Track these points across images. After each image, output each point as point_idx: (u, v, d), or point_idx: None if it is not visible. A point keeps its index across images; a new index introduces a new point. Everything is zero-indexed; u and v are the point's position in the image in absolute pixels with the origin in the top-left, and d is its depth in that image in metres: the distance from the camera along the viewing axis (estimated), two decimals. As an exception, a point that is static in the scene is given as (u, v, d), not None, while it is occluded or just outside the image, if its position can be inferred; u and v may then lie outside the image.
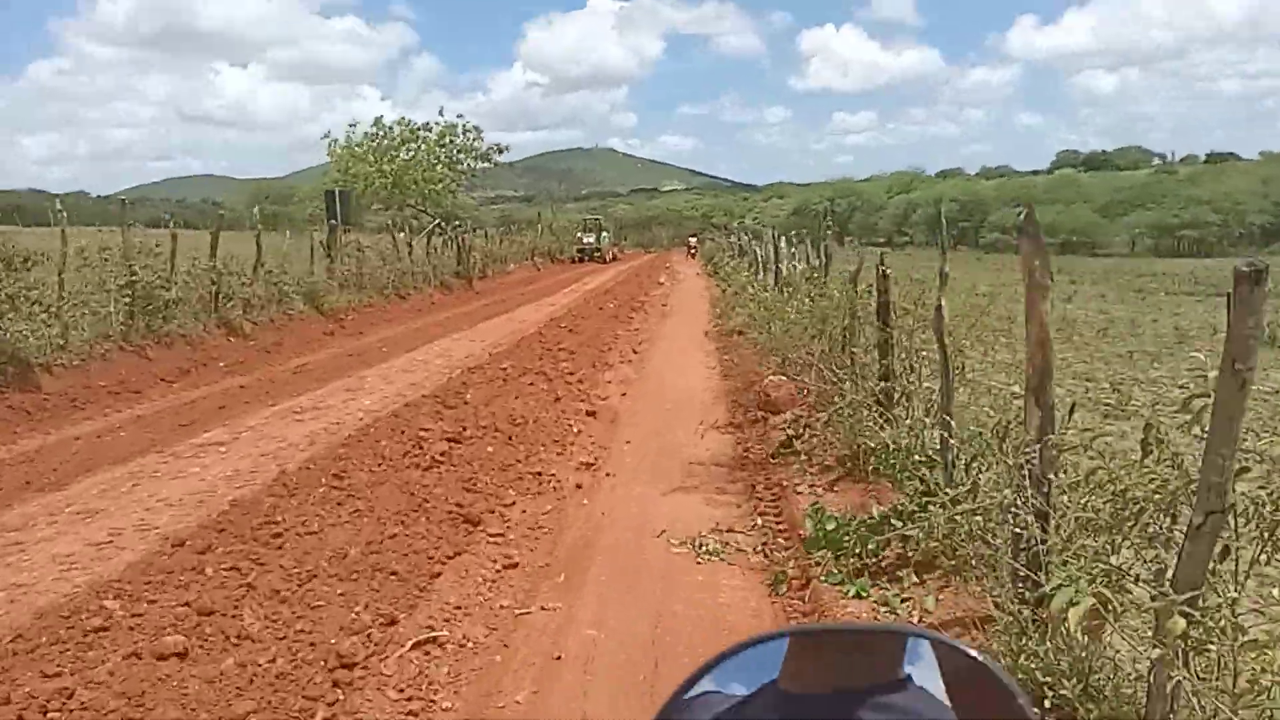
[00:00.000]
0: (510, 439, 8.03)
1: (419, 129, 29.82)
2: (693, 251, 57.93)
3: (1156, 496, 2.75)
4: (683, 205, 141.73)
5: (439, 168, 29.60)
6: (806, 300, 9.75)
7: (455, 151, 30.38)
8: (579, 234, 47.65)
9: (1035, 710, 0.76)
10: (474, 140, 30.70)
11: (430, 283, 26.75)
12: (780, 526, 5.96)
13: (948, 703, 0.77)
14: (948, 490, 4.48)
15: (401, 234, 28.95)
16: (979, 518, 4.08)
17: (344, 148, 28.64)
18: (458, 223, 31.79)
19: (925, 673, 0.79)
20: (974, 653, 0.80)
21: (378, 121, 29.79)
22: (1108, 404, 11.86)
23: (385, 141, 28.87)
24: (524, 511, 6.23)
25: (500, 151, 31.20)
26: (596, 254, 45.90)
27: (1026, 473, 3.41)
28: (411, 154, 28.88)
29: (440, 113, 30.80)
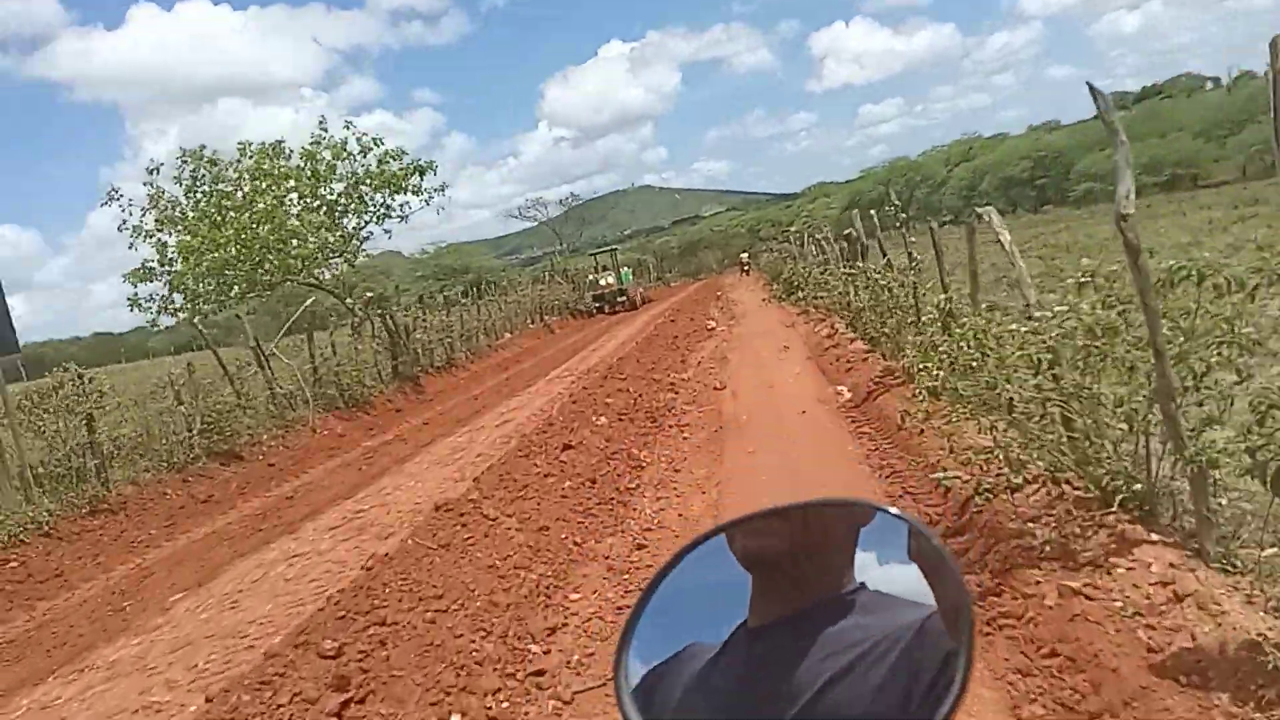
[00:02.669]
0: None
1: (273, 149, 17.65)
2: (746, 268, 49.32)
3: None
4: (727, 224, 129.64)
5: (303, 215, 17.24)
6: None
7: (355, 184, 18.38)
8: (592, 277, 35.36)
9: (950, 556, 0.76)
10: (382, 162, 18.54)
11: (311, 408, 14.74)
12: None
13: (897, 587, 0.77)
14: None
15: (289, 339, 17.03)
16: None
17: (158, 213, 16.67)
18: (370, 294, 19.79)
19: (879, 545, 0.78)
20: (894, 511, 0.80)
21: (193, 156, 16.51)
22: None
23: (216, 190, 16.84)
24: None
25: (421, 174, 18.84)
26: (621, 299, 33.14)
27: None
28: (269, 199, 16.75)
29: (321, 124, 18.20)
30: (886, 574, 0.79)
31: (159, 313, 16.95)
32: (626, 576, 5.00)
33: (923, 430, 6.32)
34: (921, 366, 4.63)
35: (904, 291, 8.57)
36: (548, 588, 4.88)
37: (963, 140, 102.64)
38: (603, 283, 33.28)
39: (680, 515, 6.10)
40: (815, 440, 7.68)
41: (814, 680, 0.74)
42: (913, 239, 8.87)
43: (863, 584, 0.79)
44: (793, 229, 51.19)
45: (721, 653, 0.81)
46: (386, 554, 5.62)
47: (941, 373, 4.29)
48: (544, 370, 18.33)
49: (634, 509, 6.39)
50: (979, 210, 5.49)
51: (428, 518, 6.68)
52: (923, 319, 6.94)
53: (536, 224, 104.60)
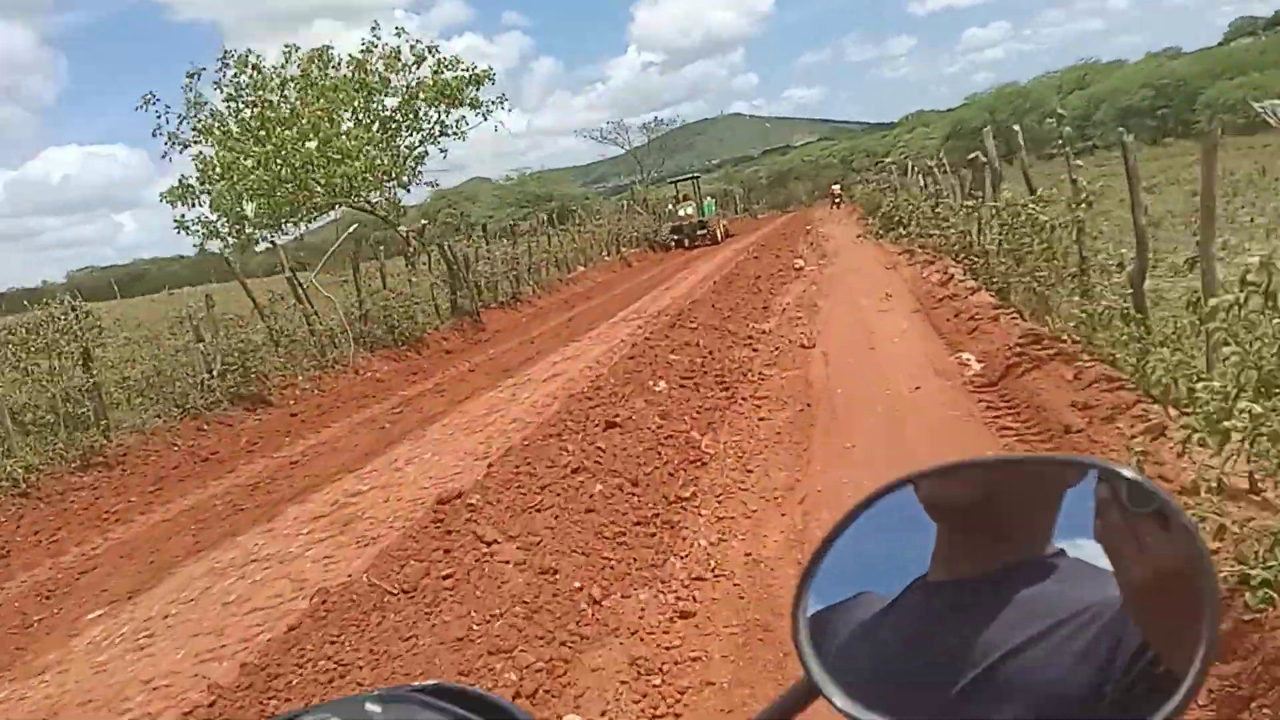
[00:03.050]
0: None
1: (320, 56, 15.12)
2: (837, 201, 45.22)
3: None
4: (818, 154, 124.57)
5: (353, 131, 15.56)
6: None
7: (410, 98, 16.54)
8: (671, 207, 32.07)
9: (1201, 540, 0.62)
10: (437, 71, 16.59)
11: (356, 350, 13.33)
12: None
13: (1103, 559, 0.65)
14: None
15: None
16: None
17: (196, 121, 14.92)
18: (424, 223, 18.21)
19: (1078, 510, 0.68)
20: (1128, 473, 0.66)
21: (237, 62, 14.52)
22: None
23: (261, 99, 14.98)
24: None
25: (479, 84, 16.82)
26: (702, 232, 30.03)
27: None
28: (315, 110, 14.96)
29: (374, 29, 16.10)
30: (1092, 542, 0.67)
31: (205, 236, 15.64)
32: (657, 682, 3.17)
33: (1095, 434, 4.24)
34: (1197, 385, 2.59)
35: (1067, 233, 6.37)
36: (532, 696, 3.09)
37: (1077, 66, 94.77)
38: (681, 214, 30.61)
39: (748, 555, 4.23)
40: (939, 434, 5.66)
41: (998, 644, 0.65)
42: (1078, 163, 6.59)
43: (1063, 550, 0.68)
44: (889, 159, 47.97)
45: (894, 605, 0.73)
46: (325, 604, 3.95)
47: (1251, 408, 2.23)
48: (611, 310, 16.51)
49: (684, 537, 4.54)
50: (1257, 105, 3.33)
51: (414, 526, 5.01)
52: (1089, 278, 4.79)
53: (623, 151, 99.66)
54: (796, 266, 17.04)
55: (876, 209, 24.00)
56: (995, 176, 9.19)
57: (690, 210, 30.60)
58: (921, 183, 17.81)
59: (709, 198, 32.75)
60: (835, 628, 0.74)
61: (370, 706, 0.60)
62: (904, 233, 16.99)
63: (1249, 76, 71.99)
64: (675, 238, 30.22)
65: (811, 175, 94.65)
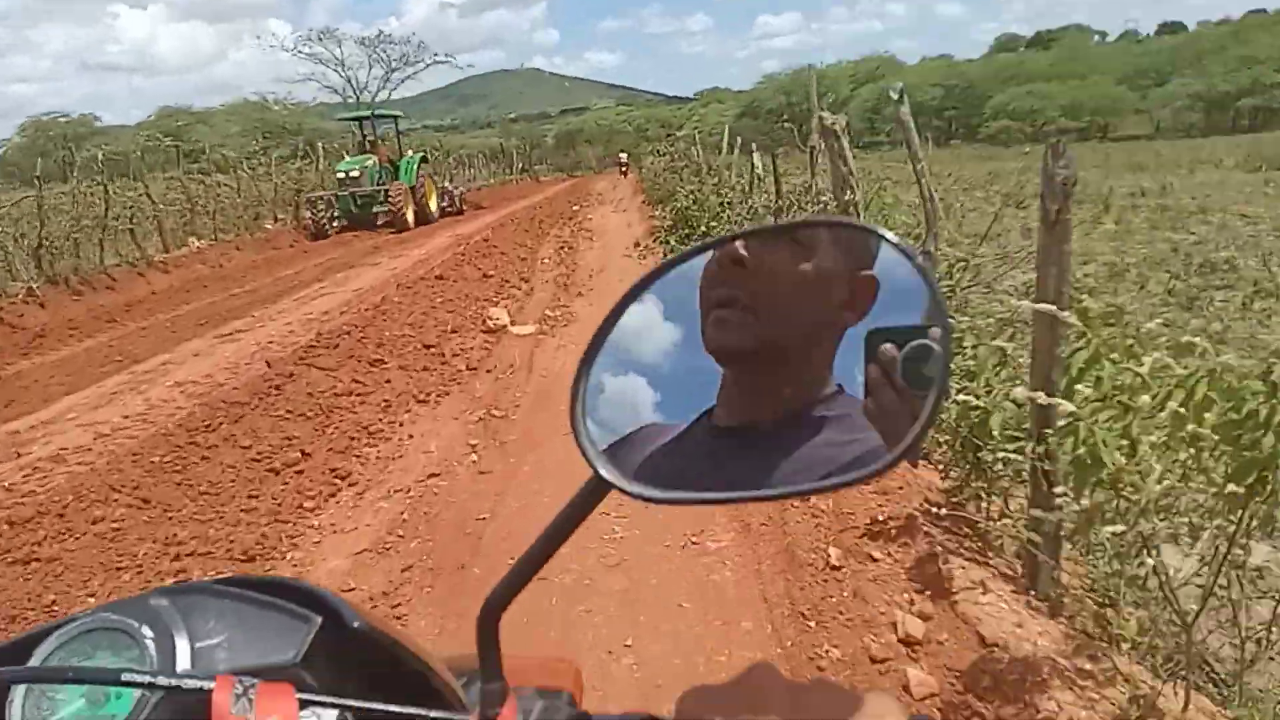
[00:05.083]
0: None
1: None
2: (624, 169, 40.41)
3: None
4: (613, 119, 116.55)
5: None
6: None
7: None
8: (344, 163, 19.09)
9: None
10: None
11: None
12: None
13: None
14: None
15: None
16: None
17: None
18: None
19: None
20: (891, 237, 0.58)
21: None
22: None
23: None
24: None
25: None
26: (381, 209, 18.20)
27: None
28: None
29: None
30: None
31: None
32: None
33: None
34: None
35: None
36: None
37: (871, 58, 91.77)
38: (344, 174, 18.42)
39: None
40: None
41: (779, 486, 0.64)
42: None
43: (840, 386, 0.65)
44: (681, 132, 42.02)
45: (681, 439, 0.68)
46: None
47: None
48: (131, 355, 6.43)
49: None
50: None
51: None
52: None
53: (339, 74, 73.81)
54: (495, 323, 7.63)
55: (670, 197, 15.03)
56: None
57: (358, 171, 18.29)
58: (756, 164, 8.95)
59: (413, 151, 20.71)
60: (622, 457, 0.67)
61: (155, 600, 0.58)
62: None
63: (1035, 85, 70.63)
64: (332, 215, 18.03)
65: (604, 140, 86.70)
